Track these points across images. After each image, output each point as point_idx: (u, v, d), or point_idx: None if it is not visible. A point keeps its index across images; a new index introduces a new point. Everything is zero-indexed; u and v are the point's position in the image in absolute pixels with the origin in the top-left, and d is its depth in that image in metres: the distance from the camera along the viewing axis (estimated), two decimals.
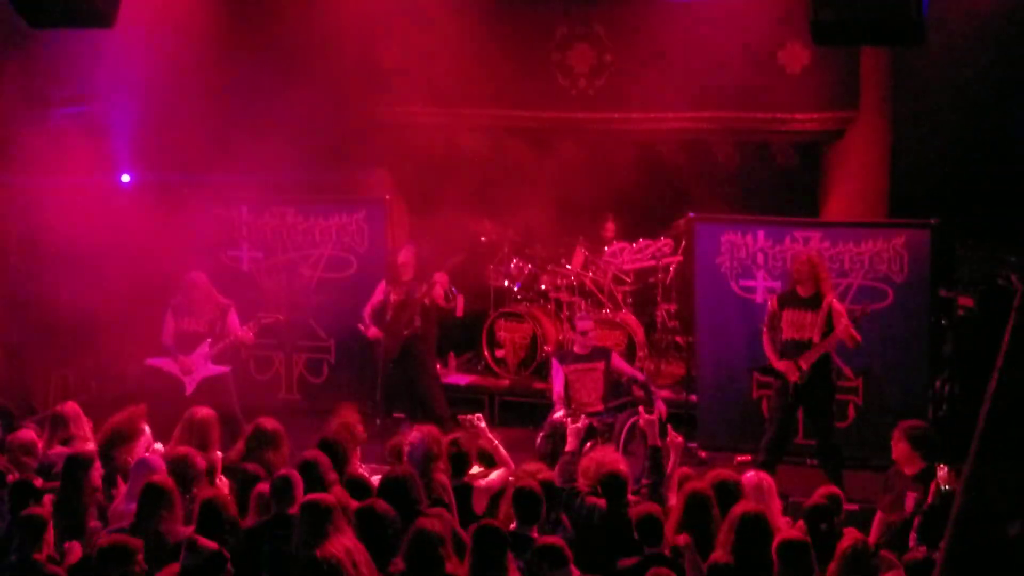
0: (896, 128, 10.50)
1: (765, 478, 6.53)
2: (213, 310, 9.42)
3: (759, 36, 10.24)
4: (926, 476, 6.80)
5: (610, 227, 11.54)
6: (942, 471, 6.55)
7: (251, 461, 6.89)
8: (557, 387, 9.03)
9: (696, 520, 5.93)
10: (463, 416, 7.75)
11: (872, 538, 6.69)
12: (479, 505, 6.66)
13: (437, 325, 10.13)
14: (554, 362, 9.26)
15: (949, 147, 10.13)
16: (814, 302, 8.55)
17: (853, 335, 8.42)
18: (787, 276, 9.05)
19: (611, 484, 6.33)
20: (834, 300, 8.61)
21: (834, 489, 6.56)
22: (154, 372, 9.53)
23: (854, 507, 7.54)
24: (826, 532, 5.99)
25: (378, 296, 9.93)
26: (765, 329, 8.79)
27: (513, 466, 7.07)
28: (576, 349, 9.16)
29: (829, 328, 8.46)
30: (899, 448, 7.06)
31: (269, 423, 7.16)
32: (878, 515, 7.09)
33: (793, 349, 8.57)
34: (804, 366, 8.48)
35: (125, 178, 11.15)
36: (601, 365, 9.04)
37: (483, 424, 7.43)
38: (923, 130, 10.38)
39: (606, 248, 11.37)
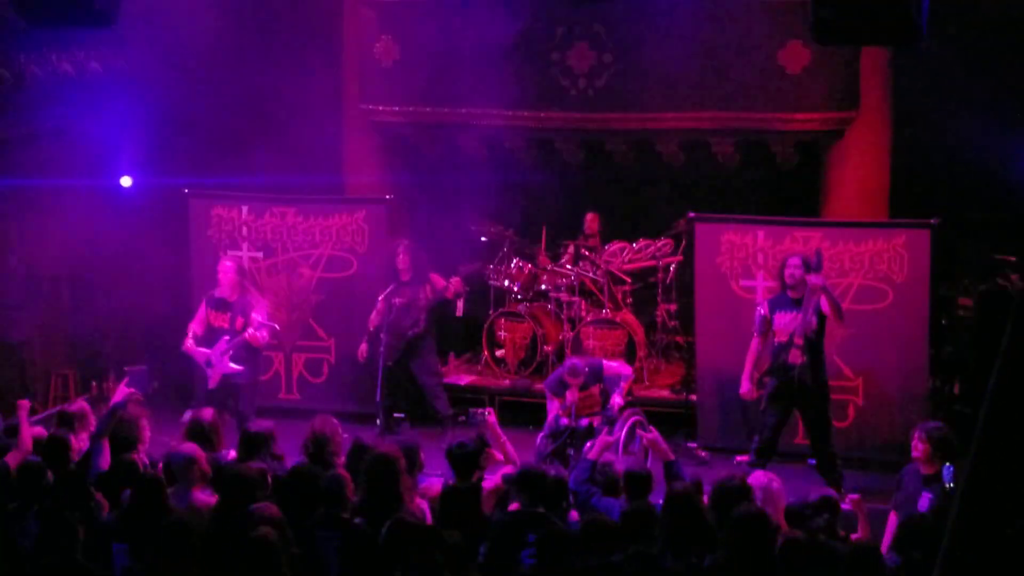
0: (896, 128, 10.50)
1: (774, 479, 6.50)
2: (238, 306, 9.38)
3: (759, 36, 10.23)
4: (940, 478, 6.80)
5: (591, 218, 11.52)
6: (948, 471, 6.53)
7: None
8: (551, 416, 8.87)
9: (678, 520, 5.84)
10: (474, 410, 7.66)
11: (887, 537, 6.70)
12: (487, 505, 6.63)
13: (436, 324, 10.22)
14: (548, 395, 9.02)
15: (949, 147, 10.12)
16: (800, 304, 8.50)
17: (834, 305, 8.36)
18: (779, 279, 8.81)
19: (636, 482, 6.28)
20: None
21: (827, 491, 6.53)
22: (187, 360, 9.61)
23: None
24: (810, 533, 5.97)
25: (381, 306, 9.87)
26: (756, 335, 8.75)
27: (520, 464, 7.02)
28: None
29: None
30: (920, 449, 7.03)
31: (256, 426, 7.14)
32: (892, 515, 7.06)
33: (781, 351, 8.53)
34: (799, 340, 8.38)
35: (126, 180, 11.13)
36: (596, 388, 8.96)
37: (493, 419, 7.34)
38: (923, 130, 10.37)
39: (585, 245, 11.32)
